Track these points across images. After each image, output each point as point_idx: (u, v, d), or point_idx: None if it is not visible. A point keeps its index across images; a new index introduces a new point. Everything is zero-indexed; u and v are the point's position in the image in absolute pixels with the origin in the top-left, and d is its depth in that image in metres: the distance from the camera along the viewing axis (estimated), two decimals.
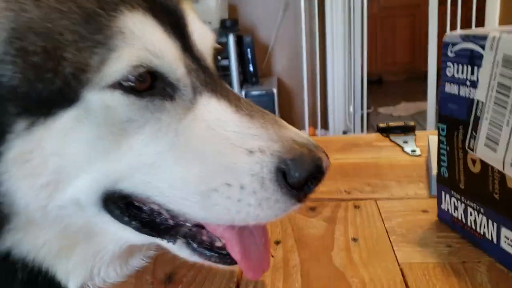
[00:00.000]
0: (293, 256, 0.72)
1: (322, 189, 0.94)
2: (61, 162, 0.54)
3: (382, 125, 1.22)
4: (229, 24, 4.02)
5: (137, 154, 0.55)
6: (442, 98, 0.72)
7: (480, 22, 3.12)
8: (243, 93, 4.10)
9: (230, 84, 4.03)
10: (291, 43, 4.48)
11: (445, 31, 3.27)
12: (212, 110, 0.57)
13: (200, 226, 0.61)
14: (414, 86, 5.46)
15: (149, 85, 0.54)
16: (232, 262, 0.59)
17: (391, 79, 6.27)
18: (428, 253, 0.71)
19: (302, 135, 0.57)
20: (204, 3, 3.72)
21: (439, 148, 0.75)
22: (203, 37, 0.63)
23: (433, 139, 1.07)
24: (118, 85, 0.53)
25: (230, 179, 0.54)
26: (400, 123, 1.21)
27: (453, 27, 3.25)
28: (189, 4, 0.64)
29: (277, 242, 0.76)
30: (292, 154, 0.54)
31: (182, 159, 0.55)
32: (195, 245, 0.60)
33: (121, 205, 0.58)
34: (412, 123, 1.20)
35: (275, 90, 4.17)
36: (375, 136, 1.22)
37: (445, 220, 0.77)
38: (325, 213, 0.84)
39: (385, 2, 6.11)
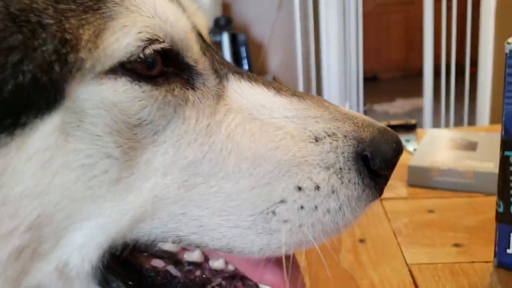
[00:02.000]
0: (300, 258, 0.71)
1: None
2: (42, 207, 0.36)
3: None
4: (223, 22, 4.00)
5: (161, 174, 0.39)
6: (510, 119, 0.61)
7: (476, 19, 3.13)
8: None
9: None
10: (285, 41, 4.47)
11: (440, 27, 3.27)
12: (248, 95, 0.44)
13: (233, 276, 0.46)
14: (409, 83, 5.47)
15: (160, 70, 0.40)
16: None
17: (386, 76, 6.27)
18: (436, 253, 0.70)
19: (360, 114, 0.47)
20: (197, 0, 3.70)
21: (508, 180, 0.63)
22: (199, 14, 0.49)
23: (432, 132, 1.08)
24: (122, 70, 0.37)
25: (300, 180, 0.41)
26: (402, 122, 1.20)
27: (449, 24, 3.25)
28: None
29: None
30: (369, 132, 0.43)
31: (224, 168, 0.40)
32: None
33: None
34: (413, 121, 1.20)
35: None
36: None
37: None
38: None
39: None
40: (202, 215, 0.40)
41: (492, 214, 0.65)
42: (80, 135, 0.36)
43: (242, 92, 0.44)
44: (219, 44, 3.93)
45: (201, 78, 0.43)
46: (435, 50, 3.44)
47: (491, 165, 0.86)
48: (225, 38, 3.96)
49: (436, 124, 3.56)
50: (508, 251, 0.65)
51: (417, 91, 3.97)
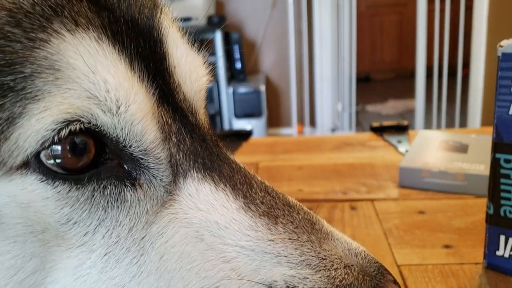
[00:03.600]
0: None
1: (318, 189, 0.93)
2: None
3: (375, 124, 1.22)
4: (216, 20, 3.99)
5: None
6: (505, 122, 0.60)
7: (468, 21, 3.14)
8: (231, 90, 4.09)
9: (217, 82, 4.01)
10: (279, 40, 4.47)
11: (433, 29, 3.29)
12: (204, 205, 0.35)
13: None
14: (402, 84, 5.51)
15: (91, 158, 0.33)
16: None
17: (379, 77, 6.30)
18: (426, 254, 0.70)
19: (356, 248, 0.38)
20: None
21: (498, 183, 0.63)
22: (192, 73, 0.41)
23: (424, 133, 1.08)
24: (35, 163, 0.32)
25: None
26: (394, 123, 1.21)
27: (442, 26, 3.27)
28: (168, 17, 0.41)
29: None
30: None
31: None
32: None
33: None
34: (405, 123, 1.20)
35: (262, 88, 4.16)
36: (368, 135, 1.22)
37: (501, 269, 0.65)
38: (321, 214, 0.83)
39: (372, 0, 6.14)
40: None
41: (482, 216, 0.66)
42: (0, 235, 0.32)
43: (199, 198, 0.35)
44: (211, 42, 3.91)
45: (148, 174, 0.35)
46: (428, 51, 3.46)
47: (482, 167, 0.87)
48: (218, 36, 3.95)
49: (427, 125, 3.58)
50: (498, 253, 0.65)
51: (410, 92, 3.99)
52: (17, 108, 0.30)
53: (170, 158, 0.36)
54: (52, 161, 0.32)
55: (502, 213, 0.63)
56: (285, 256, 0.33)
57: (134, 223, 0.34)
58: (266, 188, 0.38)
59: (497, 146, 0.62)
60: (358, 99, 4.53)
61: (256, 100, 4.12)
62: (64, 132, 0.31)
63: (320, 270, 0.33)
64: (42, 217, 0.32)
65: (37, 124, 0.31)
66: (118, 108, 0.33)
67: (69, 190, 0.32)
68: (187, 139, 0.37)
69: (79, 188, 0.33)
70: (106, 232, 0.34)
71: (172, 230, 0.34)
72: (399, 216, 0.81)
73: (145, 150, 0.35)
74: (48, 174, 0.32)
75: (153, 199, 0.35)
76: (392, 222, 0.80)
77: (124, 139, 0.34)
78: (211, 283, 0.33)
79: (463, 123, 3.39)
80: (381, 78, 6.28)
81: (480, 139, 1.01)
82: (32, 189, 0.32)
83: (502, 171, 0.62)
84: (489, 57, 2.99)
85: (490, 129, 0.63)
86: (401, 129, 1.19)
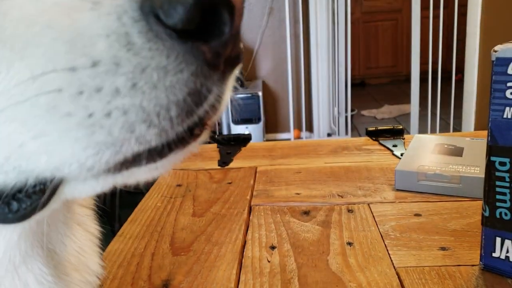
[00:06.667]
0: (290, 261, 0.72)
1: (315, 193, 0.94)
2: None
3: (371, 128, 1.23)
4: None
5: None
6: (499, 125, 0.61)
7: (463, 27, 3.17)
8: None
9: None
10: (276, 47, 4.49)
11: (427, 35, 3.32)
12: None
13: None
14: (396, 89, 5.54)
15: None
16: None
17: (374, 82, 6.33)
18: (423, 256, 0.71)
19: None
20: None
21: (493, 185, 0.64)
22: None
23: (419, 137, 1.09)
24: None
25: (72, 59, 0.29)
26: (389, 127, 1.22)
27: (436, 31, 3.29)
28: None
29: (273, 248, 0.76)
30: None
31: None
32: None
33: None
34: (400, 127, 1.21)
35: (260, 93, 4.18)
36: (364, 139, 1.23)
37: (497, 270, 0.66)
38: (319, 217, 0.84)
39: (367, 7, 6.18)
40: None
41: (478, 218, 0.67)
42: None
43: None
44: None
45: None
46: (422, 57, 3.48)
47: (477, 170, 0.88)
48: None
49: (422, 129, 3.61)
50: (494, 254, 0.66)
51: (404, 97, 4.01)
52: None
53: None
54: None
55: (497, 215, 0.64)
56: None
57: None
58: None
59: (492, 149, 0.63)
60: (354, 104, 4.55)
61: (253, 106, 4.14)
62: None
63: None
64: None
65: None
66: None
67: None
68: None
69: None
70: None
71: None
72: (396, 218, 0.82)
73: None
74: None
75: None
76: (388, 224, 0.81)
77: None
78: (41, 22, 0.29)
79: (457, 127, 3.42)
80: (376, 83, 6.31)
81: (474, 142, 1.02)
82: None
83: (497, 173, 0.63)
84: (482, 62, 3.02)
85: (483, 133, 0.64)
86: (396, 133, 1.20)
